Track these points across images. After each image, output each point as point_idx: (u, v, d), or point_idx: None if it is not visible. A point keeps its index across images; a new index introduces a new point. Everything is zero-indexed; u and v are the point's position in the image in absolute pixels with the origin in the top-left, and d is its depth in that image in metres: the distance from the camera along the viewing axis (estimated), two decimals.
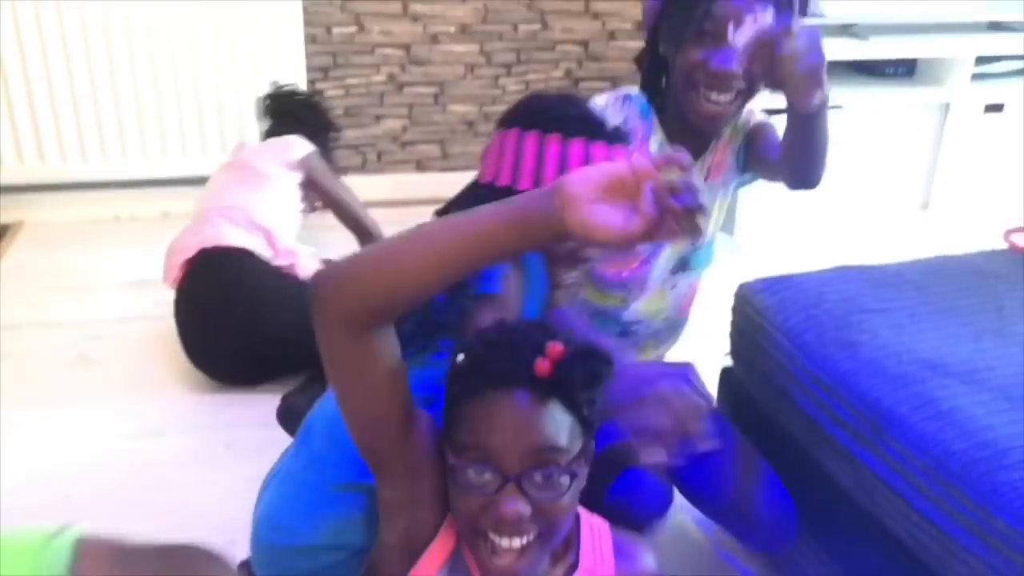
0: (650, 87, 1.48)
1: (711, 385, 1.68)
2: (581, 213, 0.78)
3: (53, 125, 2.60)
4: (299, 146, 2.20)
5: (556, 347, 0.88)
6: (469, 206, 0.86)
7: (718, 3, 1.33)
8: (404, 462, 0.93)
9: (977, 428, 1.23)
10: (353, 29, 2.79)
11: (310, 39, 2.74)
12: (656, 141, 1.47)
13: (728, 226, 2.75)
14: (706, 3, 1.34)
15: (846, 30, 2.81)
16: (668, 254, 1.54)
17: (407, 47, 2.85)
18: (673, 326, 1.66)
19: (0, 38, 2.50)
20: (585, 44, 2.97)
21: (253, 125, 2.70)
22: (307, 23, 2.70)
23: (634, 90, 1.50)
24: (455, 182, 1.31)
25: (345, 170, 2.34)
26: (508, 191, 1.12)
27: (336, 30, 2.78)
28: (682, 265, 1.57)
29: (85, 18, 2.52)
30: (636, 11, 2.84)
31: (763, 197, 2.73)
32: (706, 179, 1.52)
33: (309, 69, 2.75)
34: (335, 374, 0.89)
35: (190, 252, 1.97)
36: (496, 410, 0.88)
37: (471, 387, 0.90)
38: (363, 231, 2.21)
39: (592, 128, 1.16)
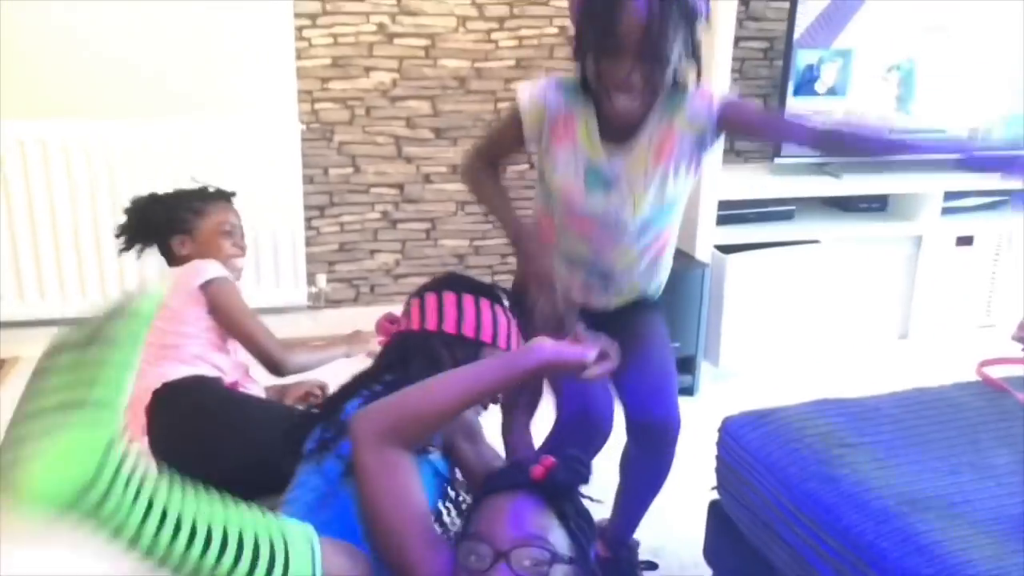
0: (583, 80, 1.66)
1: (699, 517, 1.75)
2: (548, 365, 1.25)
3: (54, 263, 2.68)
4: (202, 271, 2.04)
5: (548, 459, 1.16)
6: (427, 354, 1.41)
7: (620, 21, 1.51)
8: None
9: (958, 563, 1.26)
10: (349, 170, 2.92)
11: (308, 179, 2.86)
12: (584, 124, 1.68)
13: (712, 355, 2.82)
14: (608, 21, 1.52)
15: (821, 168, 2.96)
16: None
17: (400, 186, 2.97)
18: (653, 269, 1.85)
19: (3, 177, 2.60)
20: None
21: (253, 262, 2.80)
22: (305, 164, 2.82)
23: (571, 78, 1.70)
24: None
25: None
26: (454, 337, 1.47)
27: (333, 171, 2.91)
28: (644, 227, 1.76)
29: (90, 157, 2.63)
30: None
31: (746, 327, 2.82)
32: (656, 162, 1.69)
33: (306, 207, 2.86)
34: (372, 494, 1.17)
35: (144, 399, 1.92)
36: (498, 503, 1.12)
37: (486, 491, 1.16)
38: (271, 364, 2.00)
39: (492, 293, 1.56)
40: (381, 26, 2.81)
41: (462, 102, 2.94)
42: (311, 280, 2.94)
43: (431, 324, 1.48)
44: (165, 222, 2.13)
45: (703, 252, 2.76)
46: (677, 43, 1.54)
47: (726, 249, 2.77)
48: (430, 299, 1.51)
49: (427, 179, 2.99)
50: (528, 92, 1.71)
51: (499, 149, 1.83)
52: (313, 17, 2.75)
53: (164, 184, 2.58)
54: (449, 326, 1.47)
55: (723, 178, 2.77)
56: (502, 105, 2.95)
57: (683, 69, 1.61)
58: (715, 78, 2.62)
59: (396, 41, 2.83)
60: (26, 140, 2.58)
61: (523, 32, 2.93)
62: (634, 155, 1.68)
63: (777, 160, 2.90)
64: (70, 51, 2.60)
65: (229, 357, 2.03)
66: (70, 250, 2.69)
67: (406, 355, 1.45)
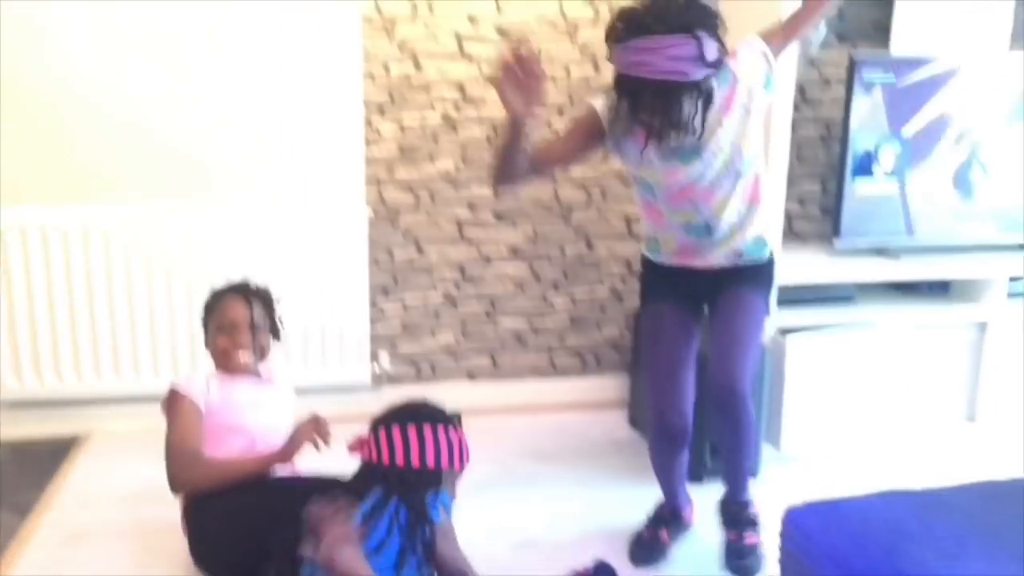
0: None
1: None
2: None
3: (129, 341, 2.79)
4: (175, 383, 2.25)
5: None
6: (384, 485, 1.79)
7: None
8: None
9: None
10: (413, 252, 3.00)
11: (373, 261, 2.95)
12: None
13: (774, 438, 2.79)
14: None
15: (880, 252, 2.95)
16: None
17: (462, 267, 3.04)
18: (749, 216, 2.12)
19: (70, 252, 2.71)
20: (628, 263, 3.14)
21: (318, 341, 2.88)
22: (371, 247, 2.91)
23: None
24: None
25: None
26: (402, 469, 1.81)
27: (397, 253, 2.99)
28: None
29: (163, 239, 2.76)
30: None
31: (808, 410, 2.80)
32: (725, 114, 2.01)
33: (371, 288, 2.94)
34: None
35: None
36: None
37: None
38: (168, 478, 2.10)
39: (444, 418, 1.87)
40: (446, 116, 2.92)
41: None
42: (374, 359, 3.01)
43: (386, 459, 1.80)
44: (202, 318, 2.32)
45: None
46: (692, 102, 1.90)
47: (787, 331, 2.77)
48: (385, 434, 1.82)
49: (487, 260, 3.06)
50: (601, 101, 2.04)
51: (567, 146, 2.05)
52: (381, 108, 2.88)
53: (236, 267, 2.70)
54: (400, 459, 1.79)
55: (782, 261, 2.78)
56: (562, 191, 3.03)
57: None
58: (773, 162, 2.67)
59: (460, 130, 2.94)
60: (96, 223, 2.72)
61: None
62: (708, 122, 1.96)
63: (836, 243, 2.90)
64: (140, 134, 2.75)
65: (235, 444, 2.15)
66: (145, 329, 2.79)
67: (368, 484, 1.78)
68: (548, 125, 2.90)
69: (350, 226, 2.84)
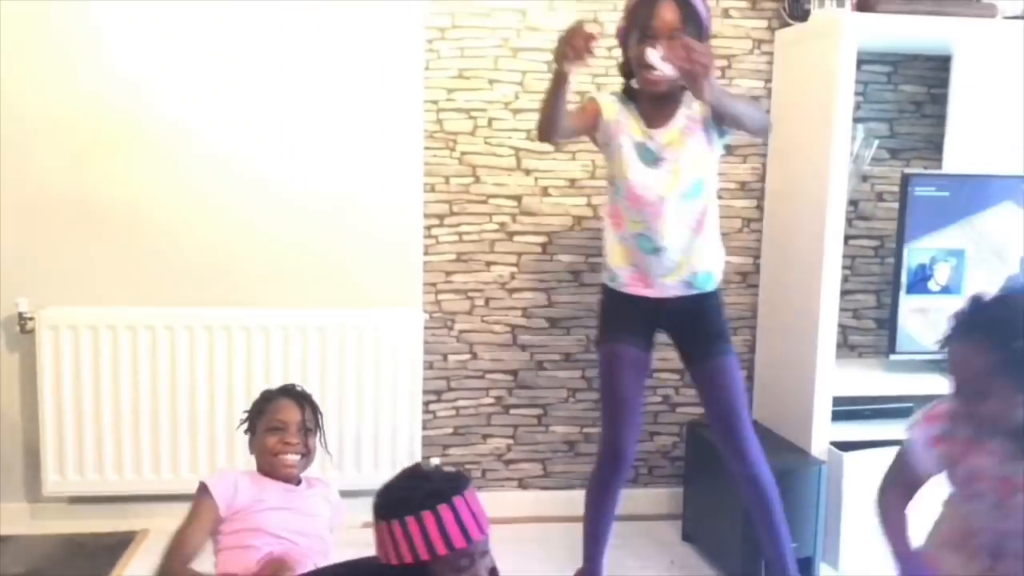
0: (626, 84, 2.34)
1: None
2: None
3: (188, 439, 2.85)
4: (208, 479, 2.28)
5: None
6: None
7: (653, 22, 2.17)
8: None
9: None
10: (466, 356, 3.05)
11: (427, 365, 3.00)
12: (631, 115, 2.29)
13: (832, 558, 2.72)
14: (646, 21, 2.19)
15: (938, 365, 2.91)
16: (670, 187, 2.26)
17: (515, 372, 3.07)
18: (697, 244, 2.31)
19: (119, 350, 2.78)
20: None
21: (371, 445, 2.91)
22: (425, 351, 2.96)
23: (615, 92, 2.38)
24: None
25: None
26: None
27: (451, 357, 3.04)
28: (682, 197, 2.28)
29: (210, 343, 2.84)
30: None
31: (867, 528, 2.72)
32: (686, 138, 2.27)
33: (424, 391, 2.98)
34: None
35: None
36: None
37: None
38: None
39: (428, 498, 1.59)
40: (502, 225, 3.00)
41: (576, 294, 3.06)
42: (425, 463, 3.01)
43: (393, 559, 1.58)
44: (249, 422, 2.32)
45: (819, 449, 2.72)
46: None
47: (843, 446, 2.73)
48: (385, 531, 1.59)
49: (540, 366, 3.08)
50: (602, 97, 2.32)
51: (573, 120, 2.26)
52: (441, 217, 2.97)
53: (294, 368, 2.75)
54: (407, 558, 1.56)
55: (837, 373, 2.77)
56: None
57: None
58: (824, 274, 2.68)
59: (516, 238, 3.02)
60: (160, 322, 2.81)
61: None
62: (671, 134, 2.25)
63: (892, 356, 2.88)
64: (198, 236, 2.86)
65: (255, 544, 2.14)
66: (205, 427, 2.85)
67: None
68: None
69: (406, 330, 2.90)
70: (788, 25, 2.96)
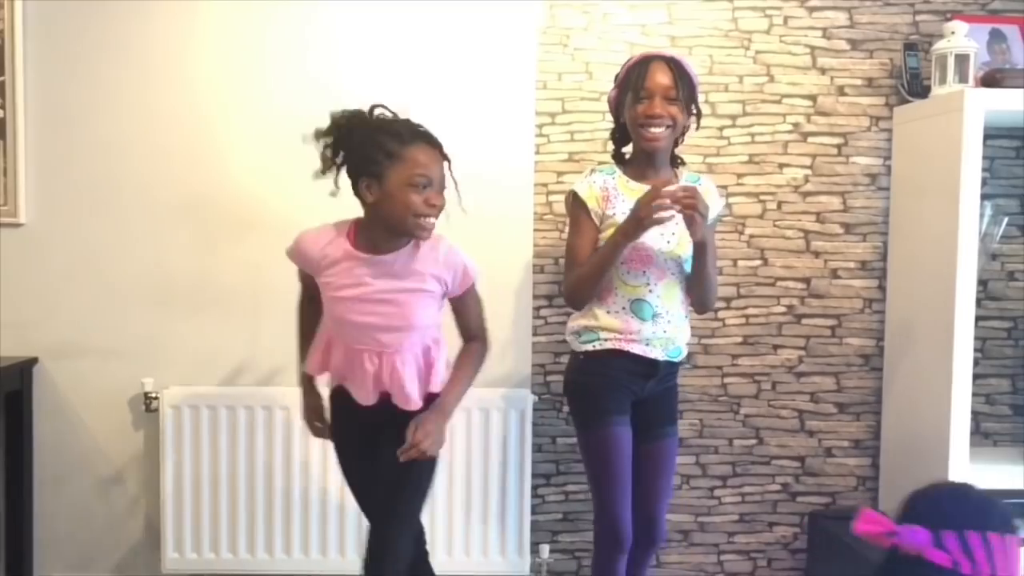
0: (617, 149, 2.46)
1: None
2: None
3: (301, 518, 2.87)
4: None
5: None
6: None
7: (646, 83, 2.28)
8: None
9: None
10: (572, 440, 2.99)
11: (536, 447, 2.95)
12: (620, 187, 2.35)
13: None
14: (639, 83, 2.29)
15: None
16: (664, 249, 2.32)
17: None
18: (682, 317, 2.38)
19: (237, 429, 2.83)
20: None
21: (480, 528, 2.86)
22: (535, 433, 2.93)
23: (600, 168, 2.44)
24: None
25: None
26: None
27: (560, 440, 2.99)
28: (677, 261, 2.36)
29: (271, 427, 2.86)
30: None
31: None
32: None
33: (533, 475, 2.93)
34: None
35: None
36: None
37: None
38: None
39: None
40: None
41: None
42: (534, 551, 2.96)
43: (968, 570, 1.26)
44: (357, 159, 1.99)
45: None
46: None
47: None
48: (974, 538, 1.29)
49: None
50: (582, 185, 2.37)
51: (591, 245, 2.33)
52: (550, 298, 2.97)
53: None
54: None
55: (970, 466, 2.59)
56: (729, 383, 2.99)
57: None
58: (955, 357, 2.55)
59: None
60: (279, 402, 2.85)
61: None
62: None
63: None
64: None
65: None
66: (317, 508, 2.86)
67: None
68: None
69: (515, 412, 2.88)
70: (907, 102, 2.89)
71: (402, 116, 2.04)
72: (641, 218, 2.18)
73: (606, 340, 2.34)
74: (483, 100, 2.89)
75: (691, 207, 2.16)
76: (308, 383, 2.30)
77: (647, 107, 2.29)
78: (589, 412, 2.38)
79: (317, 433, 2.34)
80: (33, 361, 2.86)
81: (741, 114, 2.94)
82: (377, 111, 2.05)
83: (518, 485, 2.89)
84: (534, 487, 2.95)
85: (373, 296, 2.06)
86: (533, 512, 2.95)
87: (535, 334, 2.96)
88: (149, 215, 2.88)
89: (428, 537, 2.41)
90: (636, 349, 2.33)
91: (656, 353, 2.35)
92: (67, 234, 2.86)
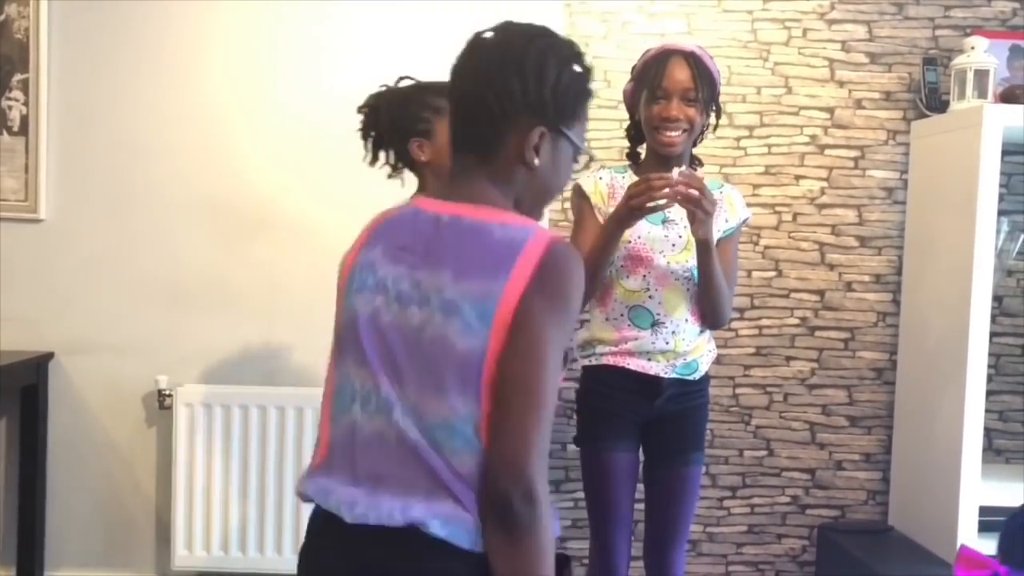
0: (633, 147, 2.28)
1: None
2: None
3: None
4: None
5: None
6: None
7: (664, 82, 2.12)
8: None
9: None
10: None
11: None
12: (632, 180, 2.13)
13: None
14: (656, 80, 2.13)
15: None
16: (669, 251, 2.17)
17: None
18: (694, 325, 2.19)
19: (250, 428, 2.84)
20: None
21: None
22: None
23: (609, 166, 2.34)
24: None
25: None
26: None
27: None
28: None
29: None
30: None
31: None
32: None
33: None
34: None
35: None
36: None
37: None
38: None
39: None
40: None
41: None
42: None
43: None
44: (401, 121, 1.97)
45: None
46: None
47: None
48: None
49: None
50: (587, 180, 2.23)
51: (590, 234, 2.16)
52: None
53: None
54: None
55: (982, 483, 2.59)
56: (741, 393, 2.98)
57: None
58: (969, 373, 2.54)
59: None
60: (292, 402, 2.88)
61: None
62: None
63: None
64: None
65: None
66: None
67: None
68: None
69: None
70: (925, 116, 2.89)
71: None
72: (631, 201, 1.99)
73: (602, 355, 2.19)
74: None
75: (692, 200, 1.97)
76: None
77: (663, 108, 2.11)
78: (585, 433, 2.24)
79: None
80: (49, 356, 2.89)
81: (758, 125, 2.94)
82: (404, 82, 2.06)
83: None
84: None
85: None
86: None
87: None
88: (165, 214, 2.90)
89: None
90: (634, 364, 2.16)
91: (658, 369, 2.16)
92: (85, 231, 2.89)
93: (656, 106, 2.13)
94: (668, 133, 2.12)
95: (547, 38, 1.36)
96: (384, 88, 2.05)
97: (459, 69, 1.35)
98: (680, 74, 2.11)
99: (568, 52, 1.36)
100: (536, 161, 1.32)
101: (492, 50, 1.33)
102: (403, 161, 2.02)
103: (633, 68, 2.25)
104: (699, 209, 1.99)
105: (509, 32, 1.36)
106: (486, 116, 1.31)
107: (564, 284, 1.25)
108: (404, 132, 1.98)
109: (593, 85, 1.40)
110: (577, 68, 1.35)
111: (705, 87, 2.12)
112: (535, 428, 1.19)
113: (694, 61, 2.13)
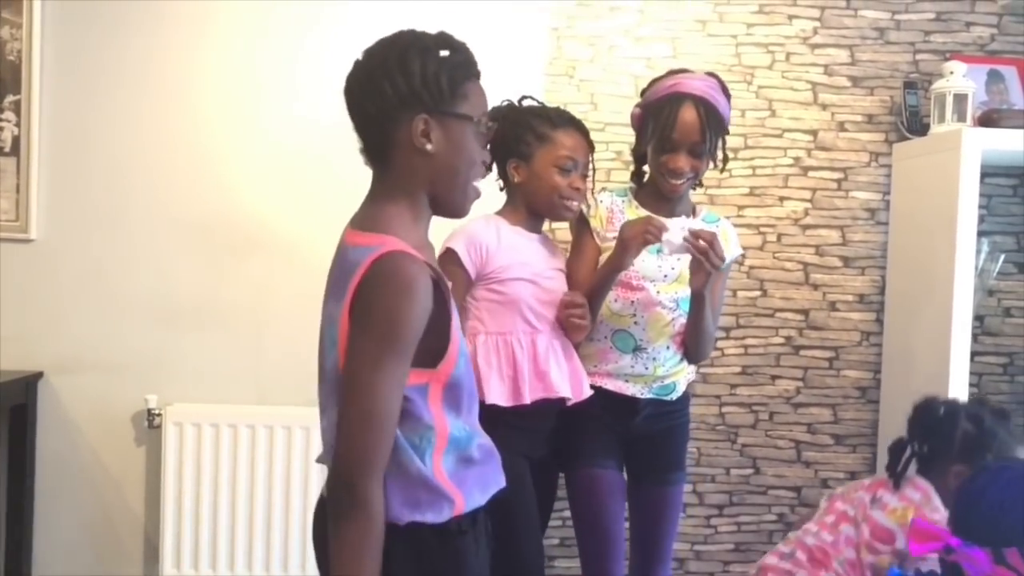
0: (637, 171, 2.31)
1: None
2: None
3: (300, 536, 2.88)
4: (449, 239, 2.09)
5: None
6: None
7: (674, 133, 2.12)
8: None
9: None
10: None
11: None
12: (629, 211, 2.23)
13: None
14: (666, 130, 2.12)
15: None
16: (661, 284, 2.20)
17: None
18: (672, 358, 2.23)
19: (239, 447, 2.85)
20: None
21: None
22: None
23: (611, 188, 2.38)
24: None
25: None
26: None
27: None
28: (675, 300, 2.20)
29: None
30: None
31: None
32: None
33: None
34: None
35: None
36: None
37: None
38: None
39: None
40: None
41: None
42: None
43: None
44: (505, 140, 2.04)
45: None
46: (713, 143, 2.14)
47: None
48: None
49: None
50: (587, 209, 2.22)
51: (591, 265, 2.19)
52: None
53: None
54: None
55: None
56: (727, 412, 3.01)
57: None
58: (951, 392, 2.57)
59: None
60: (280, 421, 2.88)
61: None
62: (673, 230, 2.06)
63: None
64: None
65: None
66: (307, 530, 2.88)
67: None
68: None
69: None
70: (906, 139, 2.94)
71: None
72: (625, 241, 2.04)
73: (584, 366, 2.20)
74: None
75: (704, 253, 2.01)
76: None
77: (671, 159, 2.14)
78: (570, 451, 2.23)
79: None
80: (38, 376, 2.89)
81: (743, 147, 2.98)
82: (526, 102, 2.17)
83: None
84: None
85: (545, 273, 2.12)
86: None
87: None
88: (156, 234, 2.91)
89: None
90: (610, 385, 2.20)
91: (635, 390, 2.20)
92: (75, 251, 2.90)
93: (664, 156, 2.16)
94: (673, 182, 2.17)
95: (408, 36, 1.45)
96: (506, 103, 2.14)
97: (344, 91, 1.48)
98: (690, 125, 2.12)
99: (430, 41, 1.44)
100: (428, 146, 1.42)
101: (362, 64, 1.46)
102: (502, 178, 2.13)
103: (643, 92, 2.28)
104: (707, 261, 2.03)
105: (376, 44, 1.47)
106: (371, 123, 1.44)
107: (375, 298, 1.35)
108: (506, 151, 2.07)
109: (467, 58, 1.47)
110: (444, 52, 1.43)
111: (713, 137, 2.15)
112: (358, 432, 1.34)
113: (704, 109, 2.12)
